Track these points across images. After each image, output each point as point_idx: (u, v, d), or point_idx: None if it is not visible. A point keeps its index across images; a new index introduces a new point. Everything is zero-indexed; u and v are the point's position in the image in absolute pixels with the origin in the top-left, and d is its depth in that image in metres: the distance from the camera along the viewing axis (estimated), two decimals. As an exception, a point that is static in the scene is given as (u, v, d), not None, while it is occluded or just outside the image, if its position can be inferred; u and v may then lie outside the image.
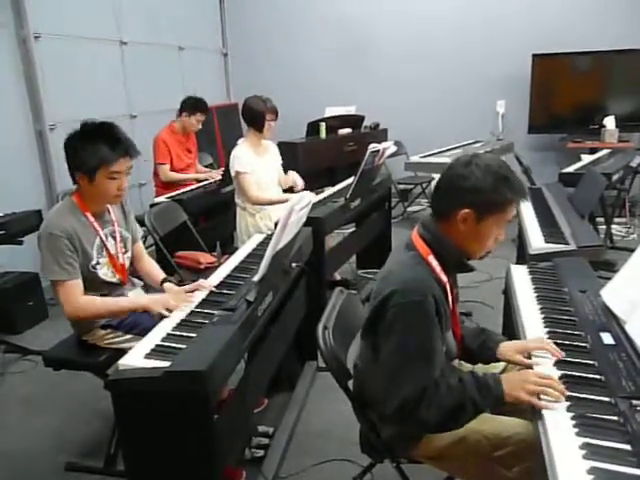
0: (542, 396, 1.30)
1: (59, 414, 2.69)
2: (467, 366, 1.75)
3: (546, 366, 1.46)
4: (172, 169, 4.20)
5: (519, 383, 1.35)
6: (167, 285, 2.23)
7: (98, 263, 2.11)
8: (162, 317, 1.89)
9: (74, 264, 2.01)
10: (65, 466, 2.28)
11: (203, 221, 4.20)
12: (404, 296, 1.38)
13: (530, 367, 1.48)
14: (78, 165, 2.01)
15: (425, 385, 1.36)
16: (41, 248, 2.00)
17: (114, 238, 2.19)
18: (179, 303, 1.94)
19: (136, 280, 2.35)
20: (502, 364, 1.70)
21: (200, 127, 4.30)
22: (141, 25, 5.04)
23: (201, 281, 2.12)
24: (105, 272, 2.15)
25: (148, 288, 2.35)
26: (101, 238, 2.12)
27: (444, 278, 1.47)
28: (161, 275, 2.32)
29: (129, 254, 2.28)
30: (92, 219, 2.11)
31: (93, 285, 2.11)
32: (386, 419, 1.46)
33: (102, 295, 2.10)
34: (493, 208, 1.43)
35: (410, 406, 1.36)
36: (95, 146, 1.97)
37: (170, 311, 1.90)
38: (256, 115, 3.43)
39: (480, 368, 1.74)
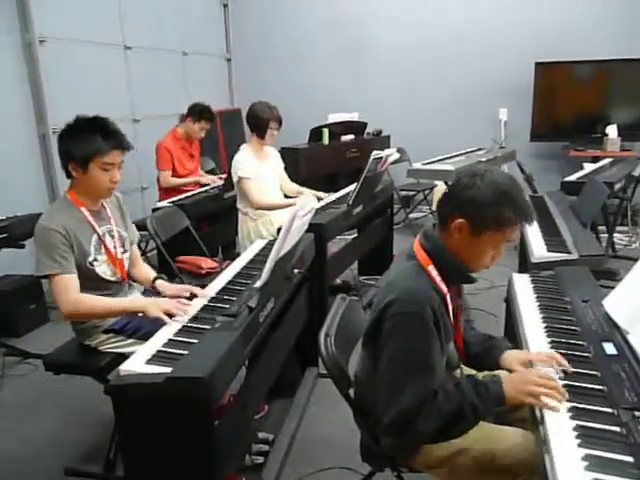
0: (544, 398, 1.30)
1: (59, 418, 2.68)
2: (472, 373, 1.75)
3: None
4: (175, 176, 4.21)
5: (520, 383, 1.34)
6: (160, 282, 2.22)
7: (95, 260, 2.09)
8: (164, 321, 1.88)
9: (68, 258, 1.97)
10: (64, 471, 2.28)
11: (205, 226, 4.20)
12: (403, 306, 1.37)
13: None
14: (71, 155, 2.01)
15: (423, 398, 1.35)
16: (35, 244, 1.99)
17: (112, 236, 2.18)
18: (178, 311, 1.90)
19: (136, 284, 2.35)
20: (506, 373, 1.69)
21: (203, 135, 4.31)
22: (145, 30, 5.06)
23: (198, 289, 2.12)
24: (104, 270, 2.13)
25: (149, 293, 2.33)
26: (98, 235, 2.11)
27: (444, 289, 1.46)
28: (152, 274, 2.31)
29: (128, 254, 2.27)
30: (87, 214, 2.10)
31: (91, 283, 2.09)
32: (384, 431, 1.44)
33: (101, 295, 2.09)
34: (489, 224, 1.40)
35: (407, 419, 1.35)
36: (89, 136, 1.98)
37: (170, 316, 1.88)
38: (260, 121, 3.44)
39: (485, 375, 1.74)
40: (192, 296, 2.10)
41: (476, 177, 1.41)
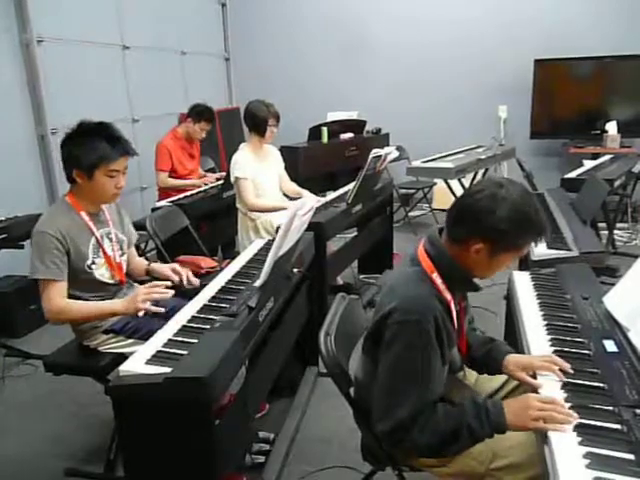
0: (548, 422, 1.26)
1: (59, 419, 2.68)
2: (473, 374, 1.74)
3: (550, 383, 1.43)
4: (175, 175, 4.21)
5: (523, 410, 1.31)
6: (153, 265, 2.29)
7: (94, 263, 2.09)
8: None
9: (60, 265, 1.97)
10: (64, 471, 2.27)
11: (204, 225, 4.19)
12: (404, 314, 1.36)
13: (532, 386, 1.45)
14: (76, 162, 1.99)
15: (420, 408, 1.34)
16: (31, 246, 1.99)
17: (110, 239, 2.18)
18: (151, 292, 1.91)
19: (136, 284, 2.34)
20: (504, 376, 1.67)
21: (204, 135, 4.30)
22: (143, 30, 5.06)
23: (185, 272, 2.19)
24: (102, 273, 2.13)
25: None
26: (97, 238, 2.11)
27: (448, 296, 1.44)
28: (144, 263, 2.32)
29: (125, 257, 2.27)
30: (87, 218, 2.09)
31: (90, 286, 2.09)
32: (380, 438, 1.44)
33: (100, 297, 2.09)
34: (510, 248, 1.40)
35: (403, 430, 1.35)
36: (95, 143, 1.97)
37: (158, 304, 1.91)
38: (259, 120, 3.43)
39: (484, 379, 1.73)
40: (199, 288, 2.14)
41: (497, 199, 1.35)
